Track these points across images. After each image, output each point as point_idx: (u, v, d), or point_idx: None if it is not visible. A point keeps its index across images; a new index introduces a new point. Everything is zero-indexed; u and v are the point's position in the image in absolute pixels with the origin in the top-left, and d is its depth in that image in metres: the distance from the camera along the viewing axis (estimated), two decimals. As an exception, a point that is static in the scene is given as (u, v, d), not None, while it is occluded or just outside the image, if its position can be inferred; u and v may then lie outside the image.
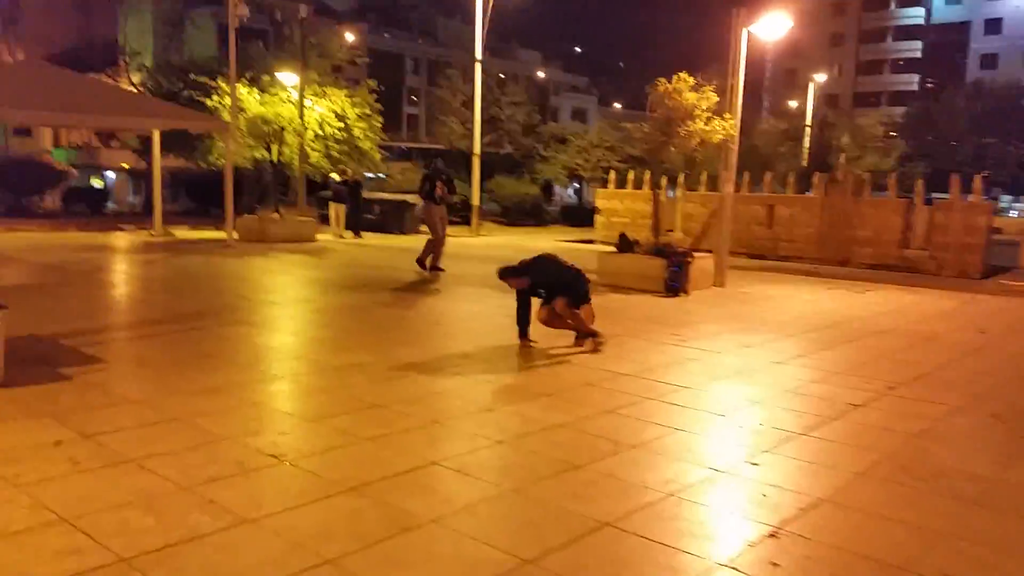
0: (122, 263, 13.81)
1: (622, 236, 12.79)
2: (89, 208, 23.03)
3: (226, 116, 18.13)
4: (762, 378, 6.44)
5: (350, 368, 6.18)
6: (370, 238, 20.76)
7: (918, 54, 75.31)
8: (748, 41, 12.36)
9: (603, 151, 31.97)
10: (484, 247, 20.12)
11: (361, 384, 5.72)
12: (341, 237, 20.23)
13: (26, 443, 4.15)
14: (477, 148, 26.84)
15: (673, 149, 12.38)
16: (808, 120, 45.20)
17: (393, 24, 77.16)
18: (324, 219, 20.35)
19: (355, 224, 20.76)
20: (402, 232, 24.37)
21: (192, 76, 18.59)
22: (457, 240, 22.52)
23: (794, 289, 13.22)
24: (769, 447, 4.63)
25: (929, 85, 70.55)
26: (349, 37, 31.14)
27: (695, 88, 12.09)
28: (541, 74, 65.81)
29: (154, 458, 3.99)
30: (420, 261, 12.93)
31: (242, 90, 18.82)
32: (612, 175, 26.83)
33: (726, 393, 5.92)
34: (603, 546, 3.24)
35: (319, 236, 18.74)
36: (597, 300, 7.74)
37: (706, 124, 11.89)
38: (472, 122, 33.84)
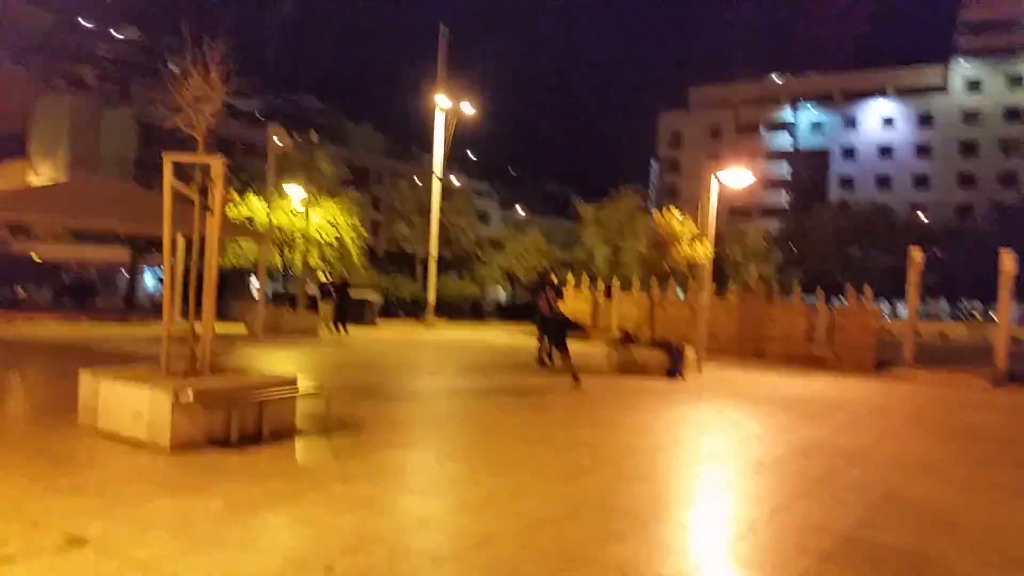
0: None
1: (624, 332, 15.81)
2: (76, 303, 24.12)
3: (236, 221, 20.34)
4: (800, 429, 9.42)
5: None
6: (352, 331, 22.96)
7: (787, 175, 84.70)
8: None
9: (538, 255, 35.47)
10: (455, 341, 22.55)
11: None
12: (330, 332, 22.32)
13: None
14: (435, 251, 29.68)
15: (666, 266, 15.68)
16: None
17: (299, 126, 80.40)
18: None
19: (342, 319, 22.94)
20: (361, 324, 26.68)
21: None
22: (415, 336, 24.87)
23: (751, 375, 16.51)
24: (856, 451, 7.58)
25: (792, 202, 79.47)
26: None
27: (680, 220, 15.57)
28: (456, 181, 70.14)
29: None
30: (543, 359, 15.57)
31: (253, 200, 21.09)
32: (554, 278, 30.15)
33: (797, 432, 8.85)
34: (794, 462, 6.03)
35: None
36: (620, 382, 10.76)
37: (690, 247, 15.29)
38: (420, 226, 36.88)
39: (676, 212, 15.61)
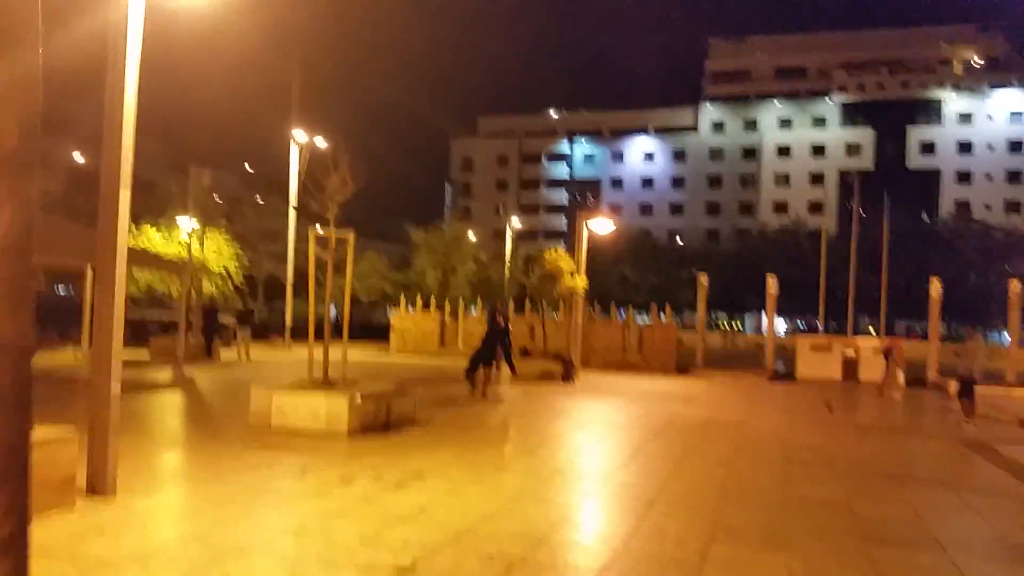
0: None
1: (523, 348, 19.70)
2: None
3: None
4: (690, 410, 13.84)
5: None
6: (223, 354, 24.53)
7: (565, 201, 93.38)
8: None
9: (377, 277, 38.42)
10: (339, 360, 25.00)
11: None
12: (239, 356, 23.66)
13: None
14: (291, 276, 31.82)
15: (556, 294, 19.81)
16: (508, 256, 55.99)
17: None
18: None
19: (212, 343, 24.44)
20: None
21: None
22: (292, 357, 26.99)
23: (609, 378, 21.10)
24: (735, 421, 12.01)
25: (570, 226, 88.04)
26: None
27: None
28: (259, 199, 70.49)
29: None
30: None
31: (151, 232, 22.51)
32: (403, 299, 33.32)
33: (689, 411, 13.20)
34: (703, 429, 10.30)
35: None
36: (532, 386, 14.75)
37: (571, 279, 19.58)
38: (263, 251, 38.45)
39: (562, 252, 19.84)
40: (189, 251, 20.52)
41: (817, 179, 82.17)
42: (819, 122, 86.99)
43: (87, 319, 20.50)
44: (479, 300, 33.59)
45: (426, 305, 32.20)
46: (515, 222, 64.23)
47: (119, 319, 6.30)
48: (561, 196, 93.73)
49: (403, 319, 32.31)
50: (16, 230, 2.66)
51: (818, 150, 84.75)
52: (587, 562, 5.07)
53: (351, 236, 10.44)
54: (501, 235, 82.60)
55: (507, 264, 52.14)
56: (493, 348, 15.28)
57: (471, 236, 54.20)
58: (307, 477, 7.17)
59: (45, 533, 5.11)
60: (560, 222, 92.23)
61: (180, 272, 20.51)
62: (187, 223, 23.45)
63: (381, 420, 9.93)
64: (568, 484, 7.47)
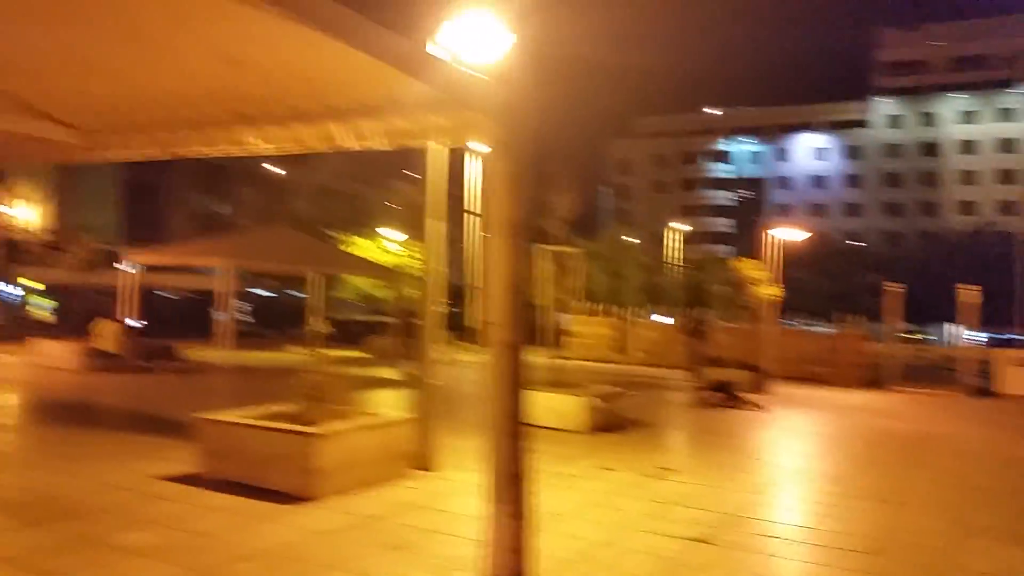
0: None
1: (717, 357, 20.22)
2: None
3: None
4: (898, 423, 14.01)
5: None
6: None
7: (729, 202, 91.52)
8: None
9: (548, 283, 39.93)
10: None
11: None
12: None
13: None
14: (472, 280, 33.58)
15: (741, 303, 20.28)
16: (678, 261, 55.70)
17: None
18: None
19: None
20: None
21: (327, 231, 24.49)
22: (469, 358, 28.48)
23: (794, 389, 21.20)
24: (950, 434, 12.15)
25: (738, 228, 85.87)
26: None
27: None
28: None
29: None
30: None
31: (360, 241, 24.90)
32: (579, 305, 34.30)
33: (893, 423, 13.40)
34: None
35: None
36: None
37: (761, 288, 19.95)
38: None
39: (749, 261, 20.29)
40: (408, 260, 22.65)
41: (1006, 176, 76.14)
42: (1005, 114, 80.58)
43: (309, 319, 22.98)
44: (650, 307, 34.00)
45: (598, 311, 32.94)
46: (680, 225, 64.33)
47: (433, 328, 7.69)
48: (725, 196, 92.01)
49: (580, 324, 33.31)
50: (519, 274, 3.92)
51: (1005, 145, 78.60)
52: (860, 545, 5.84)
53: (578, 253, 11.58)
54: (661, 237, 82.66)
55: (676, 270, 52.16)
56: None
57: (634, 241, 54.50)
58: (574, 465, 8.30)
59: (407, 495, 6.51)
60: (724, 222, 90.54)
61: (393, 278, 22.65)
62: (397, 234, 25.86)
63: (611, 421, 10.98)
64: (808, 484, 8.21)
